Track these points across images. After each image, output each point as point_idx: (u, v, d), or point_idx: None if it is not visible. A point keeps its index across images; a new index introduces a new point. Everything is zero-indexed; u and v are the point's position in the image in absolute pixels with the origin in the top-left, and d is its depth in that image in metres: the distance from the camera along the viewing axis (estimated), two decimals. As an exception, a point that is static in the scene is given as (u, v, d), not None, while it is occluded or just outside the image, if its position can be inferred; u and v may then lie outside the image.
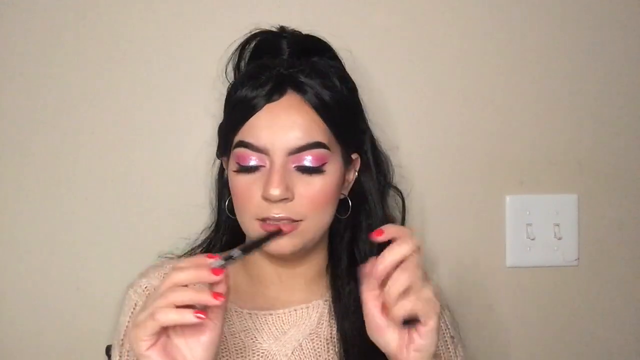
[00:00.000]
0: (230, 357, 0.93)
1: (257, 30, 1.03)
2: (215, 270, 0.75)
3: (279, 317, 0.96)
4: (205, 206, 1.10)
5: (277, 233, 0.88)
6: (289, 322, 0.96)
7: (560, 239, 1.20)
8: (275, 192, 0.87)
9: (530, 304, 1.22)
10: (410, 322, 0.79)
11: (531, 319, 1.22)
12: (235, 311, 0.96)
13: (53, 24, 1.11)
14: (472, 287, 1.20)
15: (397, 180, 1.08)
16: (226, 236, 1.04)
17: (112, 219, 1.13)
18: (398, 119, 1.16)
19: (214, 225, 1.06)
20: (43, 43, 1.11)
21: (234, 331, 0.95)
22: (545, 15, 1.20)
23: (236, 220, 0.95)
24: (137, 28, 1.13)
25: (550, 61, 1.20)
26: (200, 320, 0.73)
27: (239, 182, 0.91)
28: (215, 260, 0.76)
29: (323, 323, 0.97)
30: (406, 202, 1.08)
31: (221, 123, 0.99)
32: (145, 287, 0.96)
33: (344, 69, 1.01)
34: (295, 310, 0.97)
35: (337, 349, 0.94)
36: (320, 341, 0.95)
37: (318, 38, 1.01)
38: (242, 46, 1.03)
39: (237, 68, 1.04)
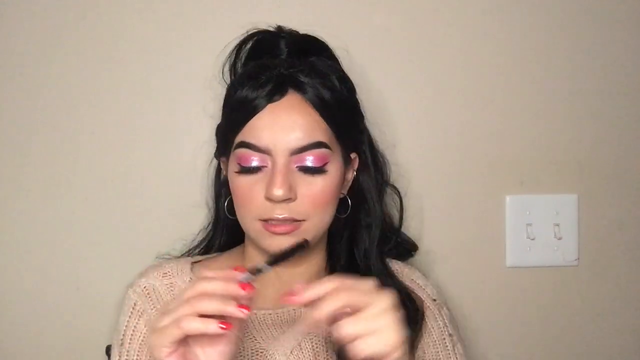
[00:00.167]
0: (229, 356, 0.93)
1: (254, 30, 1.03)
2: (243, 285, 0.74)
3: (278, 316, 0.96)
4: (204, 206, 1.10)
5: (303, 245, 0.88)
6: (288, 322, 0.96)
7: (560, 239, 1.20)
8: (279, 192, 0.87)
9: (530, 304, 1.21)
10: None
11: (531, 319, 1.21)
12: (235, 311, 0.96)
13: (53, 24, 1.11)
14: (472, 287, 1.20)
15: (394, 179, 1.09)
16: (224, 237, 1.04)
17: (112, 219, 1.13)
18: (398, 118, 1.16)
19: (211, 225, 1.06)
20: (43, 43, 1.11)
21: (233, 331, 0.95)
22: (545, 15, 1.20)
23: (234, 221, 0.95)
24: (137, 28, 1.13)
25: (550, 61, 1.20)
26: (223, 331, 0.73)
27: (241, 183, 0.91)
28: (245, 276, 0.76)
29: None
30: (405, 202, 1.08)
31: (220, 123, 0.99)
32: (145, 287, 0.96)
33: (342, 68, 1.01)
34: (295, 310, 0.97)
35: (335, 349, 0.94)
36: (319, 341, 0.95)
37: (315, 38, 1.02)
38: (239, 46, 1.03)
39: (233, 68, 1.04)
